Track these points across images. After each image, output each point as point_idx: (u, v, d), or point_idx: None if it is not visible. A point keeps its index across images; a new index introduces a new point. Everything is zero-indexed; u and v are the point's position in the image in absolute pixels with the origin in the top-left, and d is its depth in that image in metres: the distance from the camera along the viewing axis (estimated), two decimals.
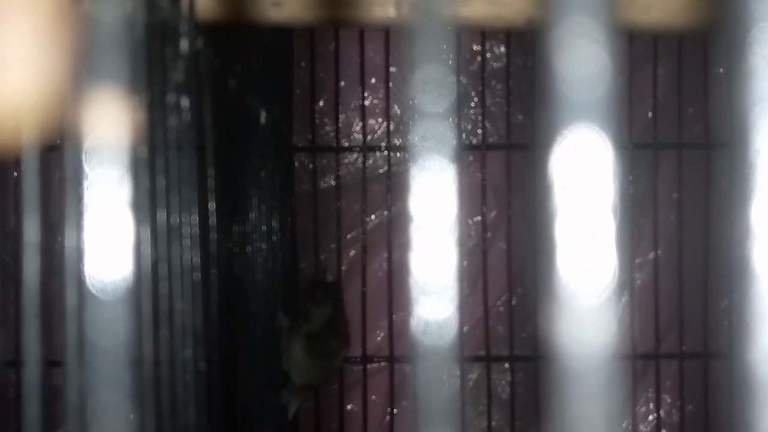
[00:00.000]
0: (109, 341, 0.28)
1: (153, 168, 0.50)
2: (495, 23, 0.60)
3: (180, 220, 0.54)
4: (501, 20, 0.59)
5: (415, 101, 0.28)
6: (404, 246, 0.28)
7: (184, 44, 0.49)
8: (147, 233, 0.49)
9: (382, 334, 1.75)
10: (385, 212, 1.73)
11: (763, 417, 0.24)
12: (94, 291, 0.28)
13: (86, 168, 0.28)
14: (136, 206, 0.29)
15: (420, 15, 0.26)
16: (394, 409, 1.74)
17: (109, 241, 0.28)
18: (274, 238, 1.63)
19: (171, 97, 0.51)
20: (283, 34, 1.55)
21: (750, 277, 0.24)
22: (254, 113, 1.40)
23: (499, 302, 1.75)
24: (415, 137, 0.27)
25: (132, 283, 0.29)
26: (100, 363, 0.28)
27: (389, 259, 1.71)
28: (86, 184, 0.28)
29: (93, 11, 0.27)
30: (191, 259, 0.56)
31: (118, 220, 0.28)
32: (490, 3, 0.59)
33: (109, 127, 0.28)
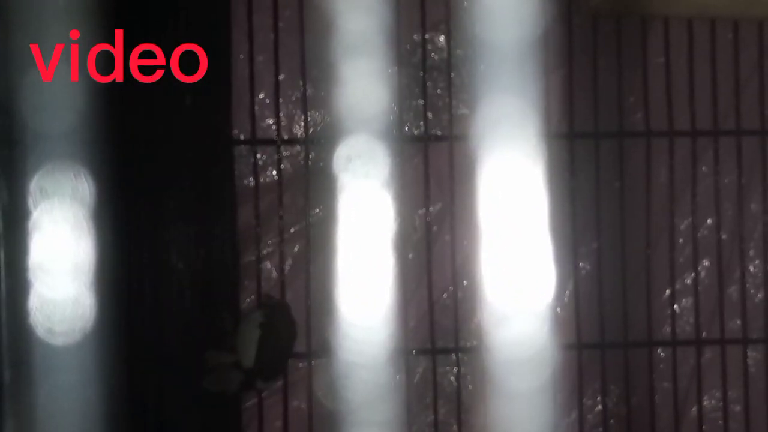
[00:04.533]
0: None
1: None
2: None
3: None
4: None
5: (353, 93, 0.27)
6: (349, 241, 0.27)
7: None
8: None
9: (324, 332, 1.73)
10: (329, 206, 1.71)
11: None
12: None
13: None
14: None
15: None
16: None
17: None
18: (214, 234, 1.60)
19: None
20: (220, 23, 1.53)
21: None
22: (188, 104, 1.37)
23: (445, 295, 1.74)
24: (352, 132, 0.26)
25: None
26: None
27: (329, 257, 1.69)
28: None
29: None
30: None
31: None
32: None
33: None
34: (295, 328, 1.63)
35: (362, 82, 0.28)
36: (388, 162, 0.28)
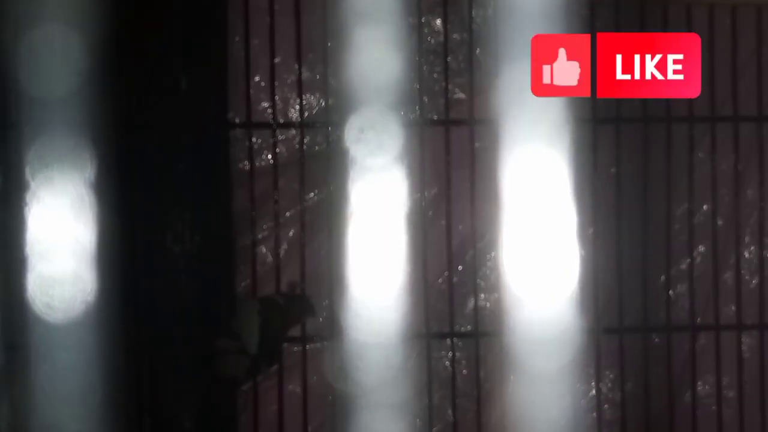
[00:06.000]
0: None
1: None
2: None
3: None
4: None
5: (353, 78, 0.26)
6: (344, 226, 0.26)
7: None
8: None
9: (324, 314, 1.72)
10: (325, 190, 1.71)
11: None
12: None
13: None
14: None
15: None
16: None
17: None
18: (210, 218, 1.59)
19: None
20: (217, 6, 1.52)
21: None
22: (184, 87, 1.36)
23: (440, 280, 1.73)
24: (353, 116, 0.26)
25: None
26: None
27: (329, 238, 1.69)
28: None
29: None
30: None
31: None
32: None
33: None
34: (299, 311, 1.63)
35: (365, 59, 0.27)
36: (394, 142, 0.28)
